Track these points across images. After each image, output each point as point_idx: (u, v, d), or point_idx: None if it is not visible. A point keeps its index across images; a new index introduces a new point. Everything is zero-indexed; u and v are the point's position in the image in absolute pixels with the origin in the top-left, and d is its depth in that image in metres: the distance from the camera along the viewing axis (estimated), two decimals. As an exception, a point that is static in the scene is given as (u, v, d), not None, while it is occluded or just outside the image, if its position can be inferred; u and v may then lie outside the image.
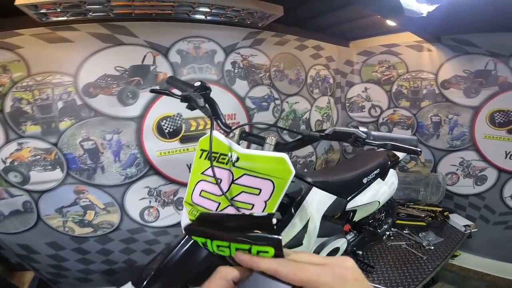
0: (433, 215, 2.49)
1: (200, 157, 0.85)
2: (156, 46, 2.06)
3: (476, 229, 2.40)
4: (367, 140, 0.83)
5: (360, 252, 1.97)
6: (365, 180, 1.59)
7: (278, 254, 0.42)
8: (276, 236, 0.43)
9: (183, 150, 2.21)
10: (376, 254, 2.17)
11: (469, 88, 2.47)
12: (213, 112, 1.09)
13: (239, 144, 0.85)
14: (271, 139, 0.96)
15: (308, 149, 3.00)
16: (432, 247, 2.23)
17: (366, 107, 3.14)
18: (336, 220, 1.70)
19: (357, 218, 1.82)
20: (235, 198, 0.75)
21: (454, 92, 2.56)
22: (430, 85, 2.68)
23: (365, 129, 0.86)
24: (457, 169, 2.66)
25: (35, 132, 1.79)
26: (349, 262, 0.41)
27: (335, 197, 1.49)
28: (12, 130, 1.75)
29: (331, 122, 3.18)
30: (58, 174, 1.86)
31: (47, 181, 1.86)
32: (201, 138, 0.90)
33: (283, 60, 2.65)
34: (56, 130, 1.83)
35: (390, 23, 2.26)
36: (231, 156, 0.79)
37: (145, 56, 2.03)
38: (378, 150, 2.01)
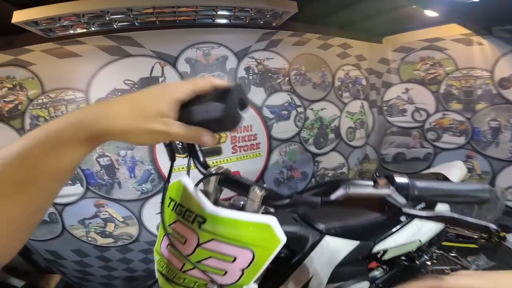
0: (488, 235, 2.06)
1: (169, 206, 0.71)
2: (164, 55, 1.97)
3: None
4: (406, 211, 0.52)
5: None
6: (403, 218, 1.25)
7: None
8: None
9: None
10: (414, 278, 1.80)
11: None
12: (189, 148, 0.82)
13: (220, 191, 0.71)
14: (256, 193, 0.65)
15: (338, 159, 2.70)
16: (481, 274, 1.82)
17: (408, 111, 2.78)
18: (357, 262, 1.37)
19: (388, 257, 1.48)
20: (203, 262, 0.62)
21: (515, 93, 2.17)
22: (486, 84, 2.31)
23: (405, 180, 0.55)
24: (520, 183, 2.24)
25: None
26: None
27: (358, 242, 1.18)
28: None
29: (366, 129, 2.85)
30: (78, 188, 1.93)
31: (69, 195, 1.93)
32: (170, 183, 0.72)
33: (305, 62, 2.39)
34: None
35: (430, 13, 1.91)
36: (196, 217, 0.64)
37: (153, 67, 1.96)
38: (425, 173, 1.70)
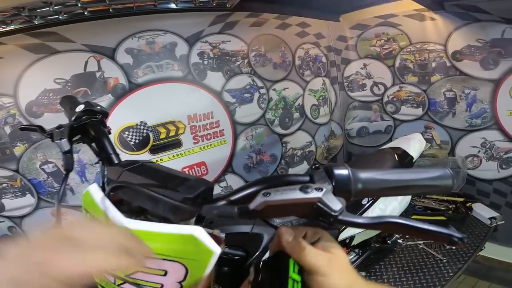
0: (454, 206, 2.26)
1: (84, 217, 0.65)
2: (98, 48, 1.84)
3: (502, 221, 2.17)
4: (343, 219, 0.42)
5: (363, 273, 1.72)
6: (365, 201, 1.30)
7: None
8: None
9: (157, 160, 2.01)
10: (387, 258, 1.94)
11: (486, 59, 2.20)
12: (101, 151, 0.75)
13: None
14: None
15: (305, 138, 2.76)
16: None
17: (367, 85, 2.90)
18: None
19: (356, 242, 1.55)
20: (132, 276, 0.54)
21: (469, 64, 2.29)
22: (440, 57, 2.41)
23: (345, 172, 0.47)
24: (479, 151, 2.40)
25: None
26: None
27: None
28: None
29: (329, 105, 2.93)
30: (30, 199, 1.83)
31: (22, 206, 1.83)
32: (83, 192, 0.65)
33: (264, 42, 2.38)
34: (12, 156, 1.73)
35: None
36: None
37: (86, 62, 1.83)
38: (384, 149, 1.73)
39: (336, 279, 0.45)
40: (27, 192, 1.81)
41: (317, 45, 2.76)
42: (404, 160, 1.56)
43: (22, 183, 1.77)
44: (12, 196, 1.78)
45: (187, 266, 0.51)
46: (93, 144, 0.74)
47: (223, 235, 0.56)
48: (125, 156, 1.89)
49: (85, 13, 1.71)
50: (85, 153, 1.85)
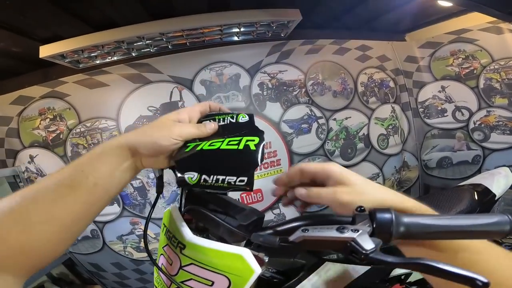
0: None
1: (162, 230, 0.79)
2: (180, 80, 2.15)
3: None
4: (373, 257, 0.44)
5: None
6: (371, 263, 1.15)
7: (260, 141, 0.58)
8: (260, 129, 0.62)
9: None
10: None
11: None
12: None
13: None
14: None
15: (371, 169, 2.62)
16: None
17: (448, 110, 2.65)
18: (373, 286, 1.27)
19: (413, 279, 1.35)
20: (185, 283, 0.69)
21: None
22: None
23: (387, 215, 0.48)
24: None
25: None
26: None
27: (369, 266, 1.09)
28: None
29: (401, 134, 2.75)
30: (116, 208, 2.21)
31: (109, 214, 2.21)
32: (165, 210, 0.80)
33: (321, 70, 2.41)
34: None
35: (443, 3, 1.84)
36: (178, 243, 0.70)
37: (172, 92, 2.15)
38: (462, 185, 1.56)
39: (369, 187, 0.54)
40: (115, 202, 2.18)
41: (382, 68, 2.67)
42: (485, 198, 1.40)
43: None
44: (104, 204, 2.19)
45: (231, 280, 0.62)
46: None
47: (266, 259, 0.65)
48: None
49: (169, 47, 2.04)
50: (166, 174, 2.07)
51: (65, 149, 2.11)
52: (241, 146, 0.58)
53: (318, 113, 2.40)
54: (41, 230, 0.42)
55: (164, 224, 0.77)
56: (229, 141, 0.59)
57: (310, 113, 2.37)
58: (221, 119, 0.67)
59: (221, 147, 0.59)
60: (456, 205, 1.33)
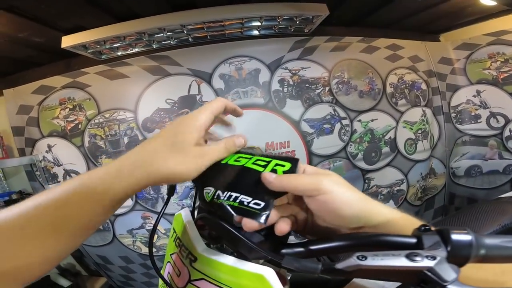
0: None
1: (171, 236, 0.71)
2: (199, 73, 2.15)
3: None
4: (450, 287, 0.36)
5: None
6: None
7: (292, 169, 0.48)
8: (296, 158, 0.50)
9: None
10: None
11: None
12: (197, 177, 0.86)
13: None
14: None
15: (395, 175, 2.52)
16: None
17: (482, 116, 2.52)
18: None
19: None
20: None
21: None
22: None
23: (467, 237, 0.40)
24: None
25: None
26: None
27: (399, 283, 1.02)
28: (91, 162, 2.17)
29: (430, 140, 2.62)
30: (129, 201, 2.23)
31: (122, 206, 2.15)
32: (176, 213, 0.73)
33: (347, 68, 2.33)
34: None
35: (486, 1, 1.72)
36: (188, 254, 0.62)
37: (190, 85, 2.15)
38: (502, 198, 1.47)
39: (344, 192, 0.45)
40: (129, 195, 2.24)
41: (413, 69, 2.55)
42: None
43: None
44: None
45: None
46: None
47: (289, 276, 0.58)
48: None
49: (190, 39, 2.05)
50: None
51: (83, 139, 2.14)
52: (268, 169, 0.50)
53: (342, 114, 2.32)
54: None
55: (174, 229, 0.70)
56: (257, 159, 0.53)
57: (333, 113, 2.30)
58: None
59: (246, 165, 0.52)
60: (497, 218, 1.22)
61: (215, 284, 0.56)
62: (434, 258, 0.37)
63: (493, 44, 2.32)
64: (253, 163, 0.52)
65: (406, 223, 0.45)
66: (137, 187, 0.43)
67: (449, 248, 0.39)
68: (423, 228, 0.42)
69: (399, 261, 0.38)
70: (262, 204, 0.47)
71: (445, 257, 0.38)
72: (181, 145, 0.47)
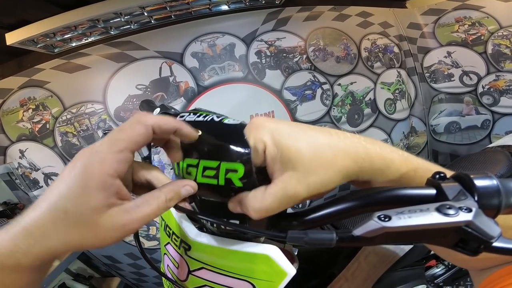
0: None
1: (161, 225, 0.69)
2: (169, 54, 2.16)
3: None
4: (498, 246, 0.30)
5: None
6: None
7: (248, 173, 0.40)
8: (245, 151, 0.40)
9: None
10: None
11: None
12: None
13: None
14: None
15: (379, 135, 2.67)
16: None
17: (455, 75, 2.70)
18: (411, 264, 1.17)
19: None
20: None
21: None
22: None
23: (492, 182, 0.34)
24: None
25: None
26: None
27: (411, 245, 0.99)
28: (69, 161, 2.05)
29: (408, 99, 2.81)
30: None
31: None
32: None
33: (322, 36, 2.49)
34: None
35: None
36: (181, 242, 0.58)
37: (161, 68, 2.16)
38: (492, 147, 1.58)
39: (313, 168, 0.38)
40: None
41: (385, 34, 2.74)
42: None
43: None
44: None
45: (256, 285, 0.50)
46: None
47: (295, 252, 0.55)
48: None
49: (152, 21, 2.03)
50: (164, 154, 2.15)
51: (55, 139, 2.08)
52: (221, 181, 0.41)
53: (322, 79, 2.46)
54: None
55: (161, 217, 0.66)
56: (204, 167, 0.43)
57: (313, 79, 2.44)
58: (203, 114, 0.50)
59: (197, 180, 0.43)
60: (493, 168, 1.30)
61: (217, 272, 0.53)
62: (469, 210, 0.31)
63: (459, 9, 2.49)
64: (203, 176, 0.43)
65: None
66: (39, 263, 0.33)
67: (476, 198, 0.34)
68: (438, 175, 0.37)
69: (432, 217, 0.31)
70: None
71: (480, 209, 0.32)
72: (80, 217, 0.33)
